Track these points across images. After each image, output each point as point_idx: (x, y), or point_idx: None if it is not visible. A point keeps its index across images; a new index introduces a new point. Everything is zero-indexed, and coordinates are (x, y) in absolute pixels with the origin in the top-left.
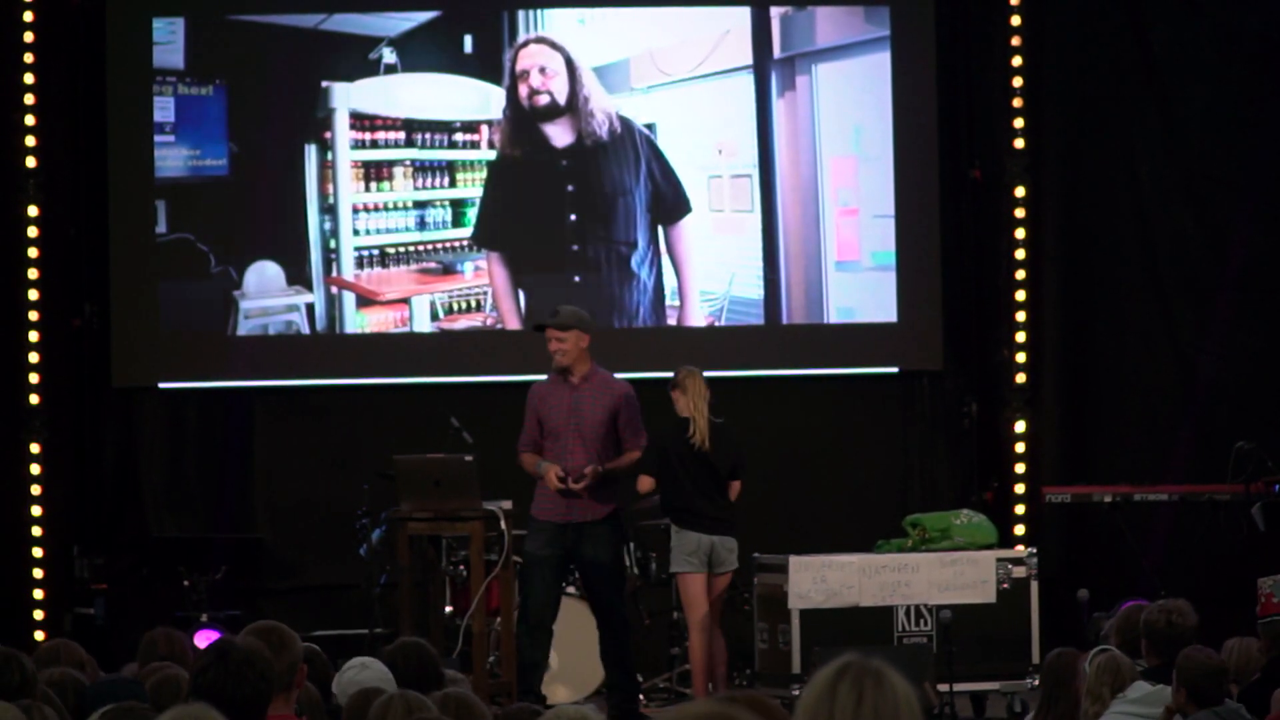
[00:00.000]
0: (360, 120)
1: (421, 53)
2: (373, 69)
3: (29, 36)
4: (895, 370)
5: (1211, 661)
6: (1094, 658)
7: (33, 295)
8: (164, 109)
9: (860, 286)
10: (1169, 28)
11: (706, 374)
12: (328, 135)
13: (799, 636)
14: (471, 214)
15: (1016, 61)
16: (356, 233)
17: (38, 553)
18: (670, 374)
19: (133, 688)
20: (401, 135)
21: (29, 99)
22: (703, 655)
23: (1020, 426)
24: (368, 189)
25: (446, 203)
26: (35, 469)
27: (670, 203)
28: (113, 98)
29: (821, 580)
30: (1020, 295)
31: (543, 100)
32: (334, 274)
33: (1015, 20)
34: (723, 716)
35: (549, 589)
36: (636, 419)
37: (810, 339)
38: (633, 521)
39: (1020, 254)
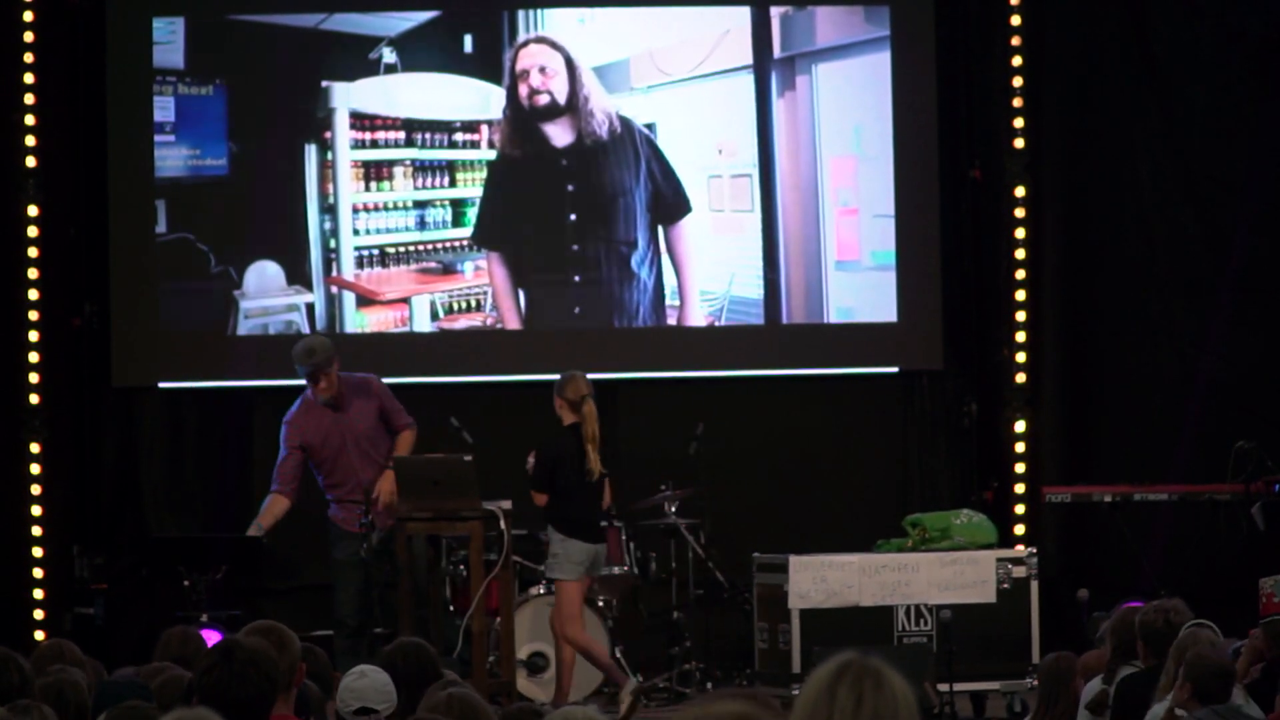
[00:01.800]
0: (360, 120)
1: (421, 52)
2: (373, 69)
3: (29, 36)
4: (895, 370)
5: (1219, 661)
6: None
7: (33, 295)
8: (164, 109)
9: (860, 286)
10: (1169, 28)
11: (706, 374)
12: (328, 135)
13: (799, 636)
14: (471, 214)
15: (1016, 61)
16: (356, 232)
17: (38, 553)
18: (671, 374)
19: (139, 690)
20: (401, 135)
21: (29, 99)
22: (573, 659)
23: (1020, 426)
24: (368, 189)
25: (446, 202)
26: (35, 469)
27: (670, 203)
28: (113, 98)
29: (821, 580)
30: (1020, 295)
31: (543, 100)
32: (334, 274)
33: (1015, 20)
34: (748, 717)
35: (363, 594)
36: (394, 400)
37: (810, 339)
38: (632, 522)
39: (1020, 254)
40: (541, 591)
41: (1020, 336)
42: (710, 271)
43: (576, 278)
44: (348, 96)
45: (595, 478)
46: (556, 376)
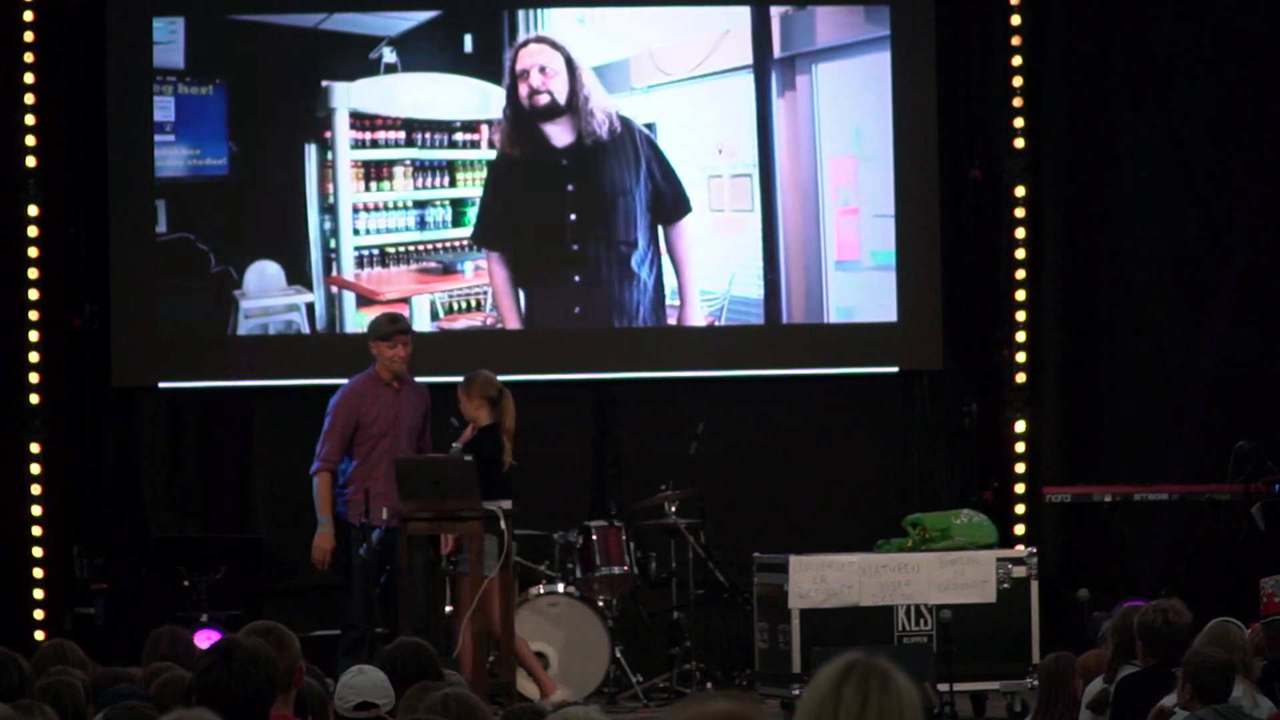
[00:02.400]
0: (360, 120)
1: (421, 52)
2: (373, 69)
3: (29, 36)
4: (895, 370)
5: (1218, 658)
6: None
7: (33, 295)
8: (164, 109)
9: (860, 286)
10: (1169, 28)
11: (706, 374)
12: (328, 135)
13: (799, 636)
14: (471, 214)
15: (1016, 61)
16: (356, 232)
17: (38, 553)
18: (671, 374)
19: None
20: (401, 135)
21: (29, 99)
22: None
23: (1020, 426)
24: (368, 189)
25: (446, 202)
26: (35, 469)
27: (670, 202)
28: (113, 98)
29: (821, 580)
30: (1020, 295)
31: (543, 100)
32: (334, 274)
33: (1015, 20)
34: (738, 716)
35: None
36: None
37: (810, 339)
38: (632, 522)
39: (1020, 254)
40: (541, 592)
41: (1020, 336)
42: (710, 271)
43: (576, 278)
44: (348, 96)
45: (506, 469)
46: (557, 376)
